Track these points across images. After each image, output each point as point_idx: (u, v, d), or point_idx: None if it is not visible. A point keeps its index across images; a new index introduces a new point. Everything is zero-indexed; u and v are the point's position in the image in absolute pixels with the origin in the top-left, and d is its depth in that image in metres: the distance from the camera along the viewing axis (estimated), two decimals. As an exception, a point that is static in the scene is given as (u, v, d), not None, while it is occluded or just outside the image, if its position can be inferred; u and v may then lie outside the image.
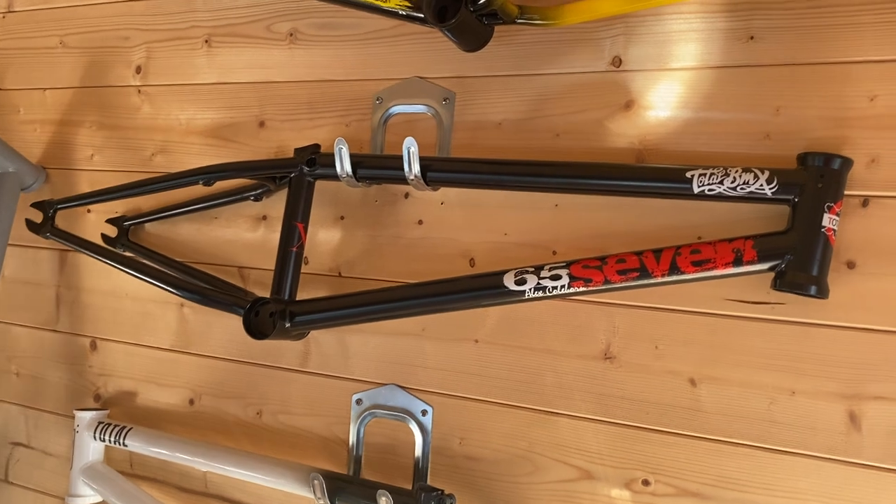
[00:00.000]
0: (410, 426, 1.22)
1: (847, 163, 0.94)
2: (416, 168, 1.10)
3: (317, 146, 1.24)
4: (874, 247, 0.95)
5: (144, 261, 1.41)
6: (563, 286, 1.01)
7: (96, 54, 1.55)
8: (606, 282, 0.99)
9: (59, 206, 1.46)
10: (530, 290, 1.02)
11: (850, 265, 0.96)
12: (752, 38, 1.02)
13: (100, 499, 1.42)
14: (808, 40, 0.99)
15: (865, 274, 0.96)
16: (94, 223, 1.53)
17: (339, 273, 1.29)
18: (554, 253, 1.13)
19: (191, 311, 1.43)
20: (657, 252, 0.97)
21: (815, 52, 0.99)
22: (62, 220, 1.52)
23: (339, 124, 1.30)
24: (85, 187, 1.55)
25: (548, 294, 1.02)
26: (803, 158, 0.95)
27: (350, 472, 1.25)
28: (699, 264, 0.95)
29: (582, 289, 1.00)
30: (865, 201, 0.96)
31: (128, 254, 1.46)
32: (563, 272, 1.01)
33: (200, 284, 1.33)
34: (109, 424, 1.42)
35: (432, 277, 1.13)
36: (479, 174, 1.12)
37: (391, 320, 1.21)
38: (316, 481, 1.16)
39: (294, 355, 1.33)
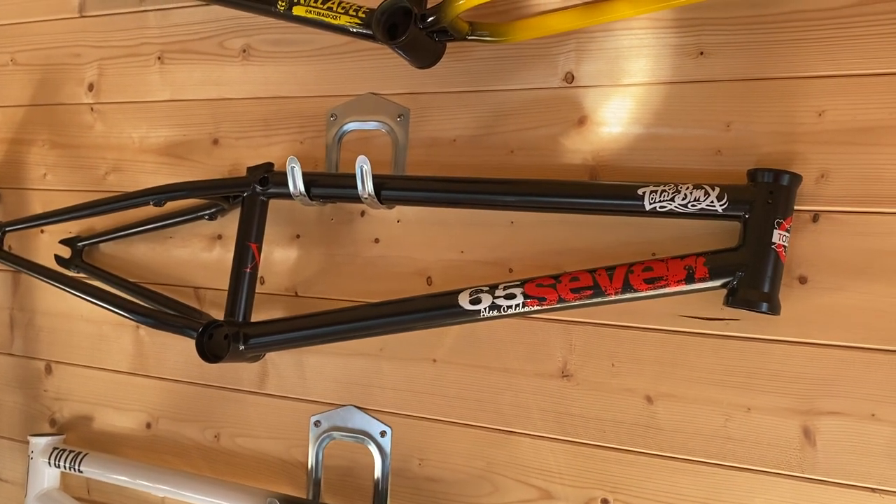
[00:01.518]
0: (369, 448, 1.20)
1: (796, 178, 0.94)
2: (370, 187, 1.08)
3: (270, 165, 1.22)
4: (825, 262, 0.95)
5: (97, 283, 1.38)
6: (517, 305, 1.00)
7: (48, 71, 1.52)
8: (561, 300, 0.98)
9: (7, 229, 1.43)
10: (485, 309, 1.01)
11: (802, 280, 0.96)
12: (701, 53, 1.02)
13: (55, 527, 1.39)
14: (757, 56, 0.99)
15: (817, 289, 0.96)
16: (48, 244, 1.50)
17: (296, 293, 1.27)
18: (510, 270, 1.12)
19: (147, 334, 1.40)
20: (610, 270, 0.97)
21: (765, 67, 0.99)
22: (15, 240, 1.49)
23: (293, 141, 1.28)
24: (38, 207, 1.52)
25: (502, 313, 1.01)
26: (753, 175, 0.95)
27: (309, 496, 1.23)
28: (651, 282, 0.94)
29: (536, 307, 1.00)
30: (816, 216, 0.96)
31: (81, 275, 1.43)
32: (518, 291, 1.00)
33: (153, 307, 1.30)
34: (65, 450, 1.39)
35: (389, 296, 1.11)
36: (434, 192, 1.11)
37: (348, 341, 1.20)
38: (273, 506, 1.14)
39: (252, 377, 1.30)
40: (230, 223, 1.32)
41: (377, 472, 1.19)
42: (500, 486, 1.12)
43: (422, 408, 1.17)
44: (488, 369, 1.13)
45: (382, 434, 1.19)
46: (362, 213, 1.23)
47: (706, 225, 1.00)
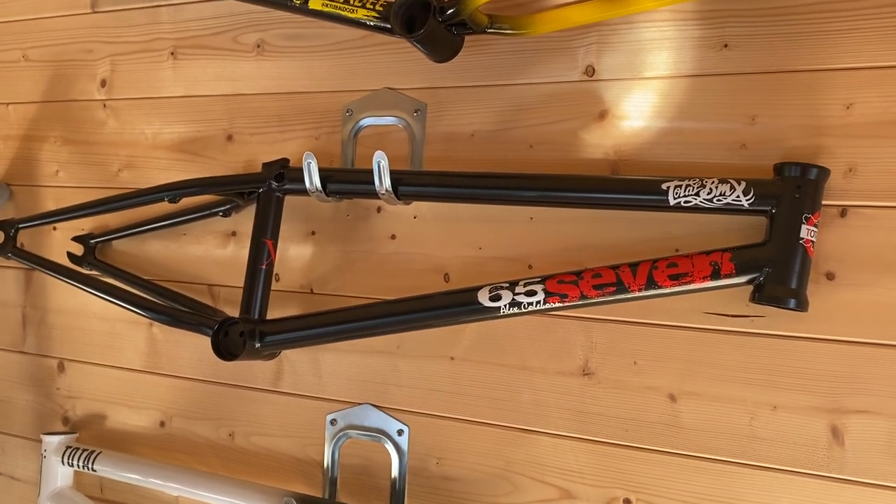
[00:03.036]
0: (386, 446, 1.18)
1: (824, 172, 0.92)
2: (387, 182, 1.07)
3: (285, 160, 1.20)
4: (853, 257, 0.94)
5: (111, 280, 1.37)
6: (538, 302, 0.98)
7: (60, 68, 1.51)
8: (583, 297, 0.97)
9: (20, 226, 1.42)
10: (505, 306, 1.00)
11: (830, 276, 0.94)
12: (726, 45, 1.00)
13: (68, 526, 1.38)
14: (782, 48, 0.97)
15: (845, 285, 0.94)
16: (60, 241, 1.49)
17: (311, 290, 1.26)
18: (529, 267, 1.10)
19: (160, 331, 1.39)
20: (634, 266, 0.95)
21: (791, 59, 0.97)
22: (27, 238, 1.48)
23: (309, 137, 1.27)
24: (50, 204, 1.51)
25: (523, 310, 0.99)
26: (780, 169, 0.93)
27: (325, 495, 1.22)
28: (676, 278, 0.93)
29: (558, 304, 0.98)
30: (843, 211, 0.94)
31: (94, 273, 1.41)
32: (539, 287, 0.98)
33: (168, 304, 1.29)
34: (78, 448, 1.38)
35: (406, 293, 1.10)
36: (452, 188, 1.09)
37: (364, 338, 1.18)
38: (289, 506, 1.13)
39: (266, 375, 1.29)
40: (244, 220, 1.31)
41: (394, 471, 1.18)
42: (520, 485, 1.11)
43: (439, 406, 1.16)
44: (507, 367, 1.12)
45: (399, 432, 1.18)
46: (378, 210, 1.21)
47: (729, 220, 0.98)
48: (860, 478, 0.93)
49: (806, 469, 0.95)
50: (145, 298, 1.27)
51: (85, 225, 1.46)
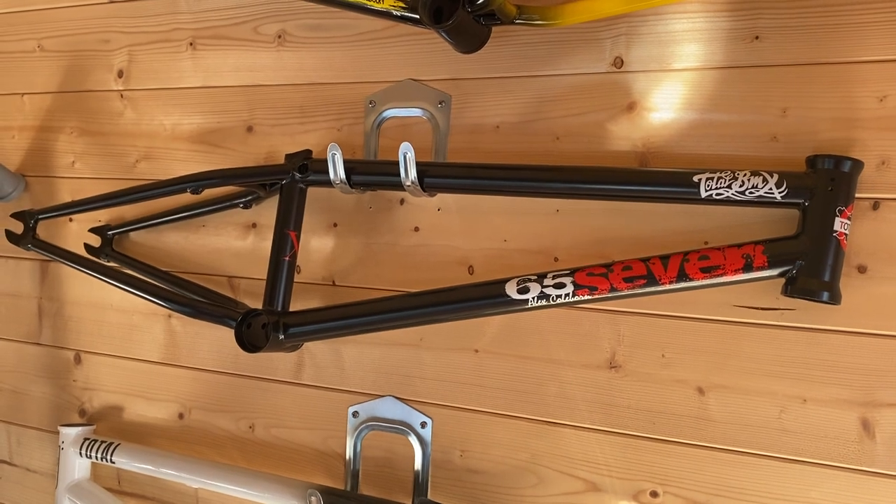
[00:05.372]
0: (409, 439, 1.18)
1: (858, 165, 0.91)
2: (413, 174, 1.06)
3: (308, 152, 1.20)
4: (886, 250, 0.93)
5: (130, 272, 1.36)
6: (567, 294, 0.98)
7: (76, 58, 1.50)
8: (612, 289, 0.96)
9: (40, 217, 1.41)
10: (533, 298, 0.99)
11: (862, 269, 0.94)
12: (757, 37, 0.99)
13: (87, 518, 1.38)
14: (814, 40, 0.97)
15: (877, 278, 0.94)
16: (77, 232, 1.48)
17: (333, 282, 1.26)
18: (556, 259, 1.10)
19: (179, 323, 1.39)
20: (664, 259, 0.94)
21: (823, 51, 0.96)
22: (43, 229, 1.47)
23: (331, 129, 1.26)
24: (66, 195, 1.50)
25: (551, 303, 0.99)
26: (813, 161, 0.93)
27: (347, 488, 1.22)
28: (708, 271, 0.92)
29: (587, 297, 0.97)
30: (876, 204, 0.94)
31: (112, 264, 1.41)
32: (568, 280, 0.98)
33: (189, 296, 1.28)
34: (96, 440, 1.37)
35: (430, 286, 1.09)
36: (478, 179, 1.08)
37: (388, 331, 1.18)
38: (313, 497, 1.13)
39: (287, 367, 1.29)
40: (265, 211, 1.30)
41: (417, 464, 1.17)
42: (545, 477, 1.11)
43: (463, 398, 1.16)
44: (532, 360, 1.11)
45: (423, 425, 1.18)
46: (401, 202, 1.21)
47: (760, 213, 0.98)
48: (891, 471, 0.93)
49: (836, 462, 0.95)
50: (168, 290, 1.27)
51: (102, 216, 1.45)
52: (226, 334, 1.21)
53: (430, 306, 1.07)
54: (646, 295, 0.97)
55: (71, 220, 1.49)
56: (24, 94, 1.56)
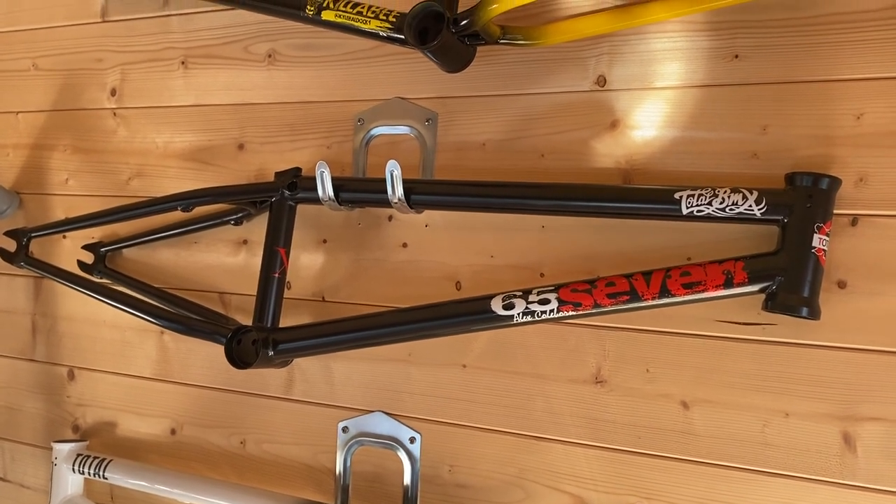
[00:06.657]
0: (398, 454, 1.19)
1: (835, 182, 0.93)
2: (400, 191, 1.08)
3: (298, 169, 1.21)
4: (864, 266, 0.95)
5: (122, 289, 1.37)
6: (551, 310, 0.99)
7: (69, 76, 1.52)
8: (596, 305, 0.97)
9: (32, 235, 1.42)
10: (519, 314, 1.00)
11: (841, 285, 0.95)
12: (736, 56, 1.01)
13: (79, 534, 1.38)
14: (793, 58, 0.98)
15: (856, 293, 0.95)
16: (70, 249, 1.49)
17: (323, 298, 1.27)
18: (541, 275, 1.11)
19: (171, 339, 1.40)
20: (647, 274, 0.96)
21: (801, 70, 0.98)
22: (36, 246, 1.48)
23: (320, 146, 1.28)
24: (60, 212, 1.52)
25: (536, 319, 1.00)
26: (791, 178, 0.94)
27: (337, 503, 1.22)
28: (690, 287, 0.94)
29: (571, 313, 0.99)
30: (854, 220, 0.95)
31: (105, 281, 1.42)
32: (552, 296, 0.99)
33: (181, 313, 1.30)
34: (89, 456, 1.38)
35: (418, 301, 1.10)
36: (464, 196, 1.10)
37: (377, 346, 1.19)
38: (303, 513, 1.13)
39: (278, 383, 1.30)
40: (256, 228, 1.31)
41: (406, 479, 1.18)
42: (533, 492, 1.11)
43: (451, 414, 1.17)
44: (519, 375, 1.12)
45: (412, 440, 1.19)
46: (390, 218, 1.22)
47: (741, 229, 0.99)
48: (872, 484, 0.94)
49: (818, 476, 0.96)
50: (159, 307, 1.28)
51: (95, 233, 1.47)
52: (217, 350, 1.21)
53: (418, 322, 1.09)
54: (629, 311, 0.98)
55: (64, 237, 1.51)
56: (18, 112, 1.58)
